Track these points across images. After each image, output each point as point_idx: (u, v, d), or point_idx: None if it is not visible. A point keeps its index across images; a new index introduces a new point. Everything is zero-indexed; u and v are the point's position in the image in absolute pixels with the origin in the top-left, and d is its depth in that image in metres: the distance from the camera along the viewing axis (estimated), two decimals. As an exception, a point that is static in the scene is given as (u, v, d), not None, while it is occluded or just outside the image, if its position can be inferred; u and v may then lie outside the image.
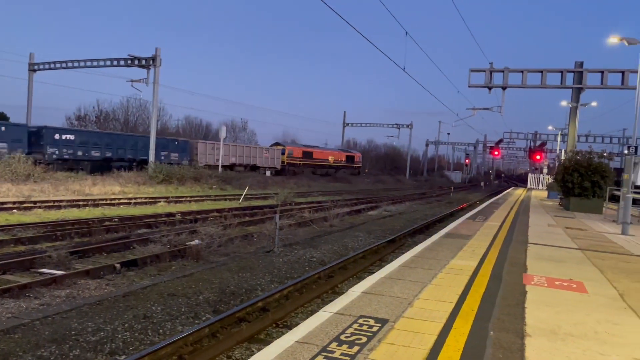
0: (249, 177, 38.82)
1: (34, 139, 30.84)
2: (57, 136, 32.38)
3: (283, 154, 52.30)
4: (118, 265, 9.83)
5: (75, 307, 7.44)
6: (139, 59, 33.90)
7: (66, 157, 32.65)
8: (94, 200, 20.87)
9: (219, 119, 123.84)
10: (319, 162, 57.41)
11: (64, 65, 36.98)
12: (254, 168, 47.85)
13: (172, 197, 24.50)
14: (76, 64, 36.27)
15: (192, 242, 11.98)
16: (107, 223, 15.17)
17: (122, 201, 21.58)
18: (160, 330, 6.72)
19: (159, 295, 8.26)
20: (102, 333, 6.46)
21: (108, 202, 20.99)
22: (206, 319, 7.20)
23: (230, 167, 44.35)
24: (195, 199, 25.03)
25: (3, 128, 29.37)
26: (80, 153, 33.39)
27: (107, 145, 35.24)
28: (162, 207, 21.00)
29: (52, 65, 37.71)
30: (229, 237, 13.42)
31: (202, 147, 43.43)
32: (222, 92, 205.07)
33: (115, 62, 34.81)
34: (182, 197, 24.94)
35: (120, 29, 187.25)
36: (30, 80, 38.85)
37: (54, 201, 19.60)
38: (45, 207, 18.25)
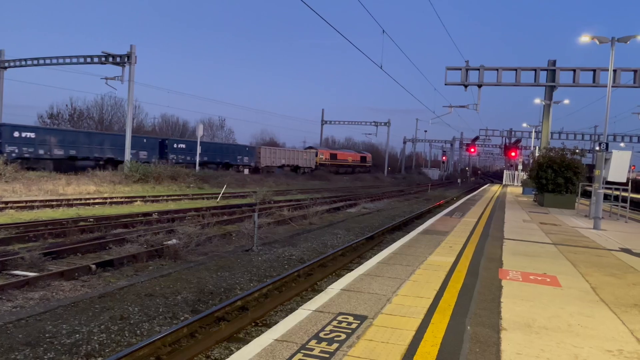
0: (227, 175, 38.58)
1: None
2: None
3: (316, 156, 62.02)
4: (93, 266, 9.66)
5: (49, 310, 7.29)
6: (114, 57, 33.35)
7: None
8: (68, 200, 20.47)
9: (196, 117, 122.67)
10: (341, 162, 67.52)
11: (35, 62, 36.14)
12: (296, 168, 57.94)
13: (148, 196, 24.18)
14: (48, 61, 35.45)
15: (170, 242, 11.85)
16: (82, 223, 14.90)
17: (97, 201, 21.21)
18: (138, 331, 6.64)
19: (136, 296, 8.15)
20: (77, 335, 6.35)
21: (83, 201, 20.61)
22: (184, 319, 7.13)
23: (281, 167, 55.25)
24: (172, 198, 24.75)
25: None
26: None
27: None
28: (138, 207, 20.71)
29: (24, 63, 36.82)
30: (207, 236, 13.31)
31: (264, 152, 53.83)
32: (199, 90, 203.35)
33: (89, 60, 34.16)
34: (159, 196, 24.63)
35: (94, 26, 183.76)
36: (0, 78, 37.89)
37: (27, 201, 19.16)
38: (18, 207, 17.82)
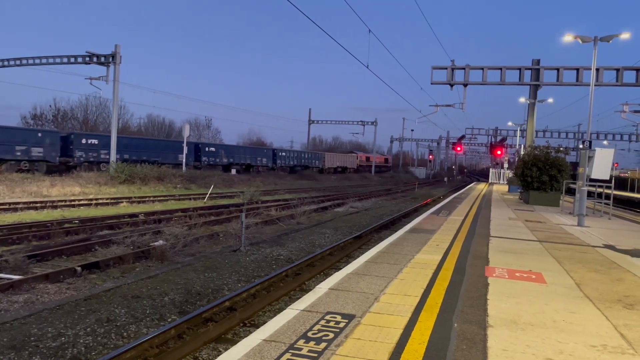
0: (214, 175, 38.42)
1: None
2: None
3: (357, 159, 77.51)
4: (79, 268, 9.56)
5: (34, 313, 7.20)
6: (98, 56, 33.01)
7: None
8: (53, 201, 20.21)
9: (183, 117, 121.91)
10: (370, 164, 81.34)
11: (18, 62, 35.62)
12: (344, 169, 70.82)
13: (134, 197, 23.97)
14: (31, 61, 34.97)
15: (157, 243, 11.77)
16: (66, 225, 14.73)
17: (82, 202, 20.98)
18: (125, 334, 6.58)
19: (123, 298, 8.09)
20: (63, 338, 6.28)
21: (67, 203, 20.36)
22: (172, 321, 7.09)
23: (334, 169, 68.38)
24: (159, 198, 24.57)
25: None
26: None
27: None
28: (124, 208, 20.53)
29: (6, 63, 36.25)
30: (195, 236, 13.25)
31: (329, 157, 68.69)
32: (185, 90, 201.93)
33: (73, 60, 33.76)
34: (146, 197, 24.44)
35: (77, 25, 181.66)
36: (-18, 78, 37.26)
37: (10, 203, 18.89)
38: (0, 210, 17.57)
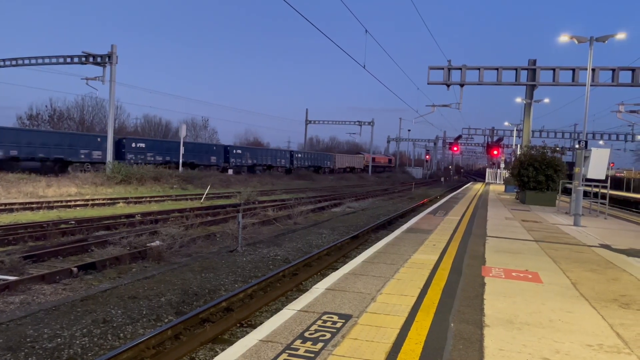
0: (210, 176, 38.38)
1: None
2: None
3: (364, 159, 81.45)
4: (75, 269, 9.53)
5: (30, 314, 7.18)
6: (94, 56, 32.91)
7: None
8: (49, 202, 20.15)
9: (179, 117, 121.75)
10: (378, 164, 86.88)
11: (14, 62, 35.47)
12: (353, 169, 75.24)
13: (131, 197, 23.93)
14: (27, 62, 34.83)
15: (153, 243, 11.75)
16: (63, 226, 14.69)
17: (78, 203, 20.92)
18: (121, 334, 6.57)
19: (119, 299, 8.07)
20: (59, 339, 6.26)
21: (64, 204, 20.30)
22: (169, 321, 7.08)
23: (344, 169, 72.89)
24: (155, 199, 24.52)
25: None
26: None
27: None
28: (121, 208, 20.48)
29: (2, 63, 36.10)
30: (191, 237, 13.24)
31: (339, 158, 73.86)
32: (182, 91, 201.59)
33: (69, 60, 33.65)
34: (142, 197, 24.39)
35: (74, 25, 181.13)
36: (-22, 79, 37.14)
37: (6, 204, 18.82)
38: (-4, 210, 17.50)
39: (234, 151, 51.64)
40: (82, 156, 35.56)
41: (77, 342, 6.22)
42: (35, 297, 8.05)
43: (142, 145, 40.86)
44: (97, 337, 6.41)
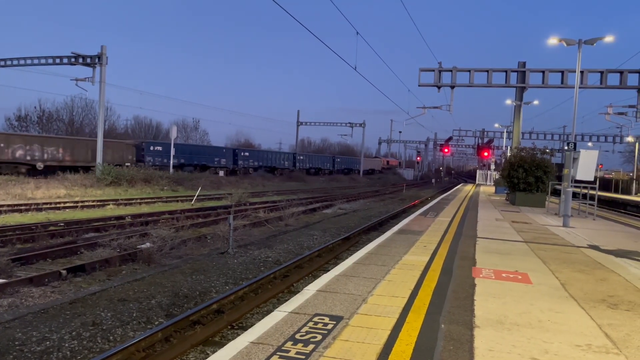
0: (201, 177, 38.26)
1: None
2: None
3: (381, 162, 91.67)
4: (64, 272, 9.46)
5: (18, 317, 7.10)
6: (84, 57, 32.65)
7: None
8: (38, 204, 19.96)
9: (170, 118, 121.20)
10: (389, 166, 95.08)
11: (2, 63, 35.08)
12: (372, 171, 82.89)
13: (121, 199, 23.77)
14: (16, 62, 34.50)
15: (143, 245, 11.69)
16: (51, 228, 14.55)
17: (67, 205, 20.74)
18: (111, 337, 6.52)
19: (109, 301, 8.01)
20: (47, 342, 6.21)
21: (53, 206, 20.12)
22: (159, 324, 7.04)
23: (369, 170, 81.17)
24: (146, 200, 24.38)
25: None
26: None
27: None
28: (111, 210, 20.34)
29: (-11, 63, 35.72)
30: (182, 239, 13.18)
31: (366, 161, 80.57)
32: (173, 92, 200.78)
33: (58, 60, 33.33)
34: (132, 199, 24.23)
35: (62, 26, 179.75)
36: (-35, 79, 36.74)
37: (-6, 206, 18.61)
38: (-16, 212, 17.30)
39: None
40: (215, 162, 48.46)
41: (66, 345, 6.17)
42: (23, 300, 7.97)
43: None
44: (87, 340, 6.36)
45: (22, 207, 18.86)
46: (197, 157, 46.97)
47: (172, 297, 8.39)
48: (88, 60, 32.61)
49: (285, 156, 63.63)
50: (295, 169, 62.46)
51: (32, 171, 31.76)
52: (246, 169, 53.51)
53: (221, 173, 47.59)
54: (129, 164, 37.65)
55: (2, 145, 30.24)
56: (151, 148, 42.49)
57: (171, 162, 39.68)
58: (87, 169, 32.71)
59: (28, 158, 31.84)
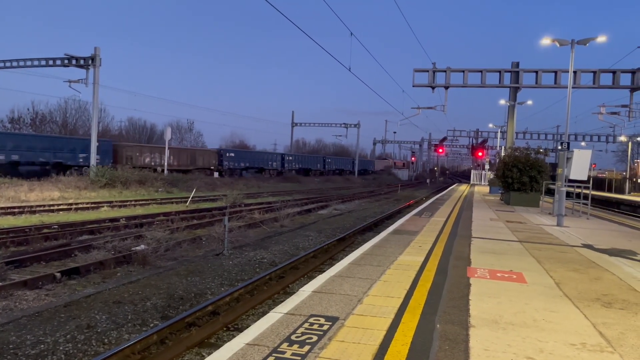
0: (196, 179, 38.15)
1: None
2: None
3: (389, 163, 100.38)
4: (58, 274, 9.41)
5: (12, 320, 7.06)
6: (77, 59, 32.49)
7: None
8: (31, 207, 19.85)
9: (164, 120, 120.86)
10: (399, 167, 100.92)
11: (-5, 65, 34.88)
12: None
13: (115, 201, 23.67)
14: (9, 64, 34.30)
15: (138, 247, 11.65)
16: (45, 230, 14.48)
17: (61, 207, 20.64)
18: (106, 340, 6.50)
19: (104, 304, 7.98)
20: (42, 346, 6.17)
21: (46, 208, 20.02)
22: (154, 326, 7.02)
23: (382, 169, 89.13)
24: (140, 202, 24.30)
25: None
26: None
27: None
28: (105, 212, 20.25)
29: (-18, 65, 35.47)
30: (177, 241, 13.15)
31: (378, 162, 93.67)
32: (167, 93, 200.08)
33: (51, 62, 33.16)
34: (127, 201, 24.15)
35: (55, 27, 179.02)
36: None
37: (-13, 209, 18.49)
38: (-23, 215, 17.18)
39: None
40: (270, 165, 57.37)
41: (61, 348, 6.14)
42: (17, 303, 7.92)
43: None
44: (81, 343, 6.33)
45: (16, 210, 18.76)
46: (247, 161, 54.21)
47: (167, 299, 8.37)
48: (81, 61, 32.46)
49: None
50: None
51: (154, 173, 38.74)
52: (289, 172, 60.72)
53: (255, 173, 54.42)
54: (212, 167, 48.74)
55: (137, 154, 41.11)
56: (227, 154, 51.45)
57: (166, 164, 39.56)
58: (186, 172, 43.44)
59: (152, 163, 41.47)
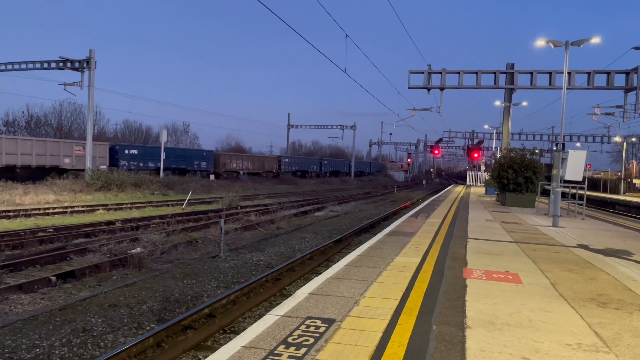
0: (192, 181, 38.07)
1: None
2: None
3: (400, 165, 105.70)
4: (53, 278, 9.37)
5: (7, 324, 7.02)
6: (72, 62, 32.42)
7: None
8: (26, 210, 19.76)
9: (160, 122, 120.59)
10: (404, 168, 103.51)
11: (-11, 68, 34.73)
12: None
13: (111, 204, 23.59)
14: (3, 67, 34.16)
15: (134, 250, 11.61)
16: (40, 234, 14.41)
17: (57, 210, 20.56)
18: (102, 344, 6.47)
19: (99, 307, 7.95)
20: (37, 350, 6.14)
21: (42, 211, 19.93)
22: (150, 329, 7.00)
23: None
24: (136, 205, 24.22)
25: None
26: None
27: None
28: (100, 215, 20.18)
29: (-24, 68, 35.29)
30: (173, 243, 13.10)
31: (389, 165, 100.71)
32: (162, 96, 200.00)
33: (46, 65, 33.06)
34: (122, 204, 24.07)
35: (50, 30, 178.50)
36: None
37: (-19, 212, 18.39)
38: (-29, 219, 17.09)
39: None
40: (313, 168, 64.28)
41: (56, 352, 6.11)
42: (12, 307, 7.88)
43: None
44: (77, 347, 6.30)
45: (11, 214, 18.66)
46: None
47: (163, 302, 8.34)
48: (76, 64, 32.38)
49: (344, 163, 71.38)
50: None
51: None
52: (290, 172, 63.85)
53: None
54: (274, 170, 55.68)
55: (228, 160, 51.32)
56: (285, 160, 59.69)
57: (162, 166, 39.48)
58: (258, 174, 52.47)
59: (237, 167, 52.04)
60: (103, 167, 35.46)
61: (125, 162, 38.91)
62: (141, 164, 39.86)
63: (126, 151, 40.11)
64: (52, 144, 34.55)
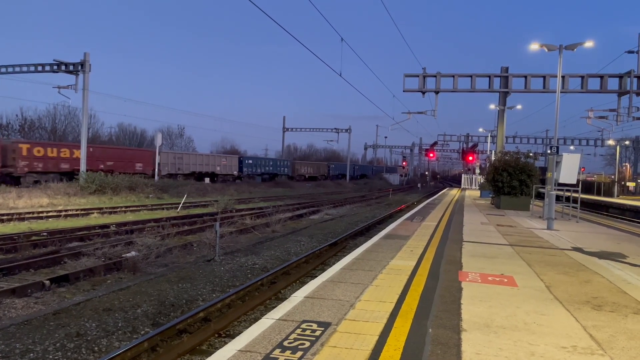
0: (187, 184, 37.99)
1: None
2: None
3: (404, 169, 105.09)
4: (47, 282, 9.31)
5: (1, 328, 6.97)
6: (67, 65, 32.27)
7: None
8: (20, 213, 19.64)
9: (155, 125, 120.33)
10: (405, 170, 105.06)
11: (-18, 71, 34.52)
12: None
13: (106, 207, 23.50)
14: (-4, 70, 33.98)
15: (129, 254, 11.56)
16: (34, 237, 14.32)
17: (51, 214, 20.44)
18: (96, 348, 6.43)
19: (94, 311, 7.90)
20: (31, 354, 6.10)
21: (35, 215, 19.82)
22: (145, 333, 6.96)
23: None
24: (131, 209, 24.13)
25: None
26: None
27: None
28: (95, 219, 20.09)
29: (-31, 71, 35.07)
30: (168, 247, 13.06)
31: (398, 169, 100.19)
32: (157, 99, 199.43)
33: (40, 68, 32.88)
34: (117, 207, 23.97)
35: (44, 32, 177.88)
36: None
37: (-26, 216, 18.26)
38: (-36, 222, 16.96)
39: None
40: (322, 172, 69.39)
41: (50, 357, 6.07)
42: (6, 312, 7.82)
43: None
44: (71, 352, 6.26)
45: (4, 217, 18.54)
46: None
47: (158, 306, 8.30)
48: (71, 67, 32.24)
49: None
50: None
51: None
52: (326, 178, 71.15)
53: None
54: (325, 174, 63.85)
55: (299, 167, 63.23)
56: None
57: (157, 170, 39.37)
58: (317, 179, 64.56)
59: (304, 172, 64.30)
60: (235, 172, 52.17)
61: (246, 169, 53.97)
62: (258, 170, 56.80)
63: (246, 161, 56.06)
64: (209, 157, 51.34)
